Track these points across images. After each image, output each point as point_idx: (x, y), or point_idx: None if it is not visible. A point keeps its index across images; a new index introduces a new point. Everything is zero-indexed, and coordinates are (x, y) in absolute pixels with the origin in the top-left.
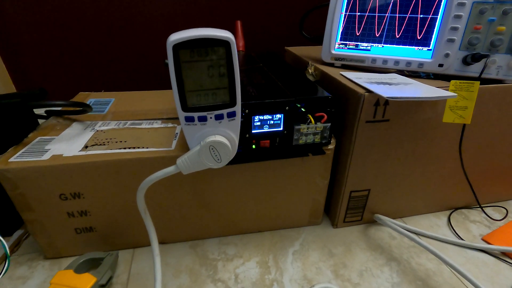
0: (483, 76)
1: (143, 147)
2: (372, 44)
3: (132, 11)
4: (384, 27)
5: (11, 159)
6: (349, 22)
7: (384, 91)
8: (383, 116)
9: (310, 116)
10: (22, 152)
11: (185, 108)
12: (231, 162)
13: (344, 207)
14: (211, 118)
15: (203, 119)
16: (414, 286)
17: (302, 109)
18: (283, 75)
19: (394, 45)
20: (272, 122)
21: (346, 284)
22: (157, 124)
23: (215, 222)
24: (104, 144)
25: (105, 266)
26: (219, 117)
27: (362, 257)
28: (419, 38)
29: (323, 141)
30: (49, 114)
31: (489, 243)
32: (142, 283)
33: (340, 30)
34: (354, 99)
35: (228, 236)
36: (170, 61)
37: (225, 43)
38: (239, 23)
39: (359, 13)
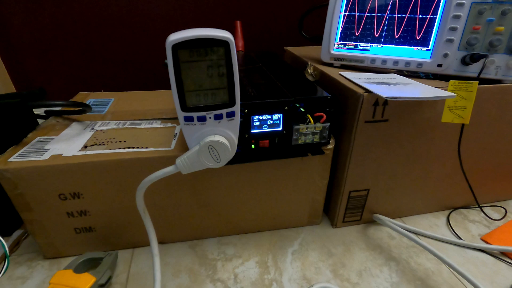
0: (482, 76)
1: (142, 147)
2: (371, 44)
3: (132, 11)
4: (383, 27)
5: (11, 159)
6: (348, 22)
7: (383, 91)
8: (382, 116)
9: (309, 116)
10: (22, 152)
11: (184, 108)
12: (230, 162)
13: (343, 207)
14: (210, 118)
15: (202, 119)
16: (413, 286)
17: (301, 109)
18: (282, 75)
19: (393, 45)
20: (271, 122)
21: (345, 283)
22: (156, 124)
23: (214, 222)
24: (104, 144)
25: (104, 266)
26: (218, 117)
27: (361, 257)
28: (418, 38)
29: (322, 141)
30: (49, 114)
31: (488, 243)
32: (141, 283)
33: (340, 30)
34: (353, 99)
35: (227, 236)
36: (169, 61)
37: (224, 43)
38: (238, 23)
39: (358, 13)
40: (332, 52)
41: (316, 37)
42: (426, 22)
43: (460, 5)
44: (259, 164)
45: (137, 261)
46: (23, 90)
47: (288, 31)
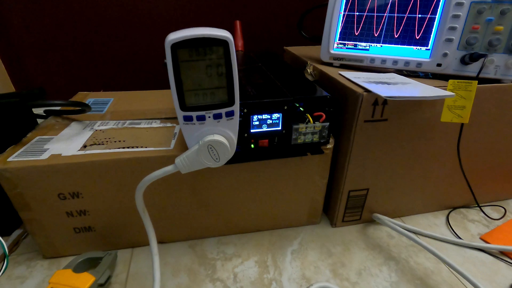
0: (481, 75)
1: (141, 147)
2: (370, 44)
3: (131, 11)
4: (383, 27)
5: (10, 159)
6: (348, 22)
7: (383, 91)
8: (382, 115)
9: (308, 115)
10: (21, 152)
11: (183, 107)
12: (230, 162)
13: (343, 206)
14: (209, 117)
15: (201, 118)
16: (412, 285)
17: (301, 108)
18: (282, 74)
19: (393, 45)
20: (270, 121)
21: (344, 283)
22: (156, 124)
23: (213, 222)
24: (103, 144)
25: (103, 266)
26: (217, 116)
27: (361, 256)
28: (417, 37)
29: (322, 141)
30: (48, 114)
31: (487, 242)
32: (141, 283)
33: (339, 30)
34: (352, 98)
35: (226, 235)
36: (169, 60)
37: (223, 43)
38: (238, 23)
39: (357, 13)
40: (332, 51)
41: (316, 37)
42: (426, 22)
43: (460, 4)
44: (258, 163)
45: (137, 261)
46: (22, 89)
47: (288, 31)
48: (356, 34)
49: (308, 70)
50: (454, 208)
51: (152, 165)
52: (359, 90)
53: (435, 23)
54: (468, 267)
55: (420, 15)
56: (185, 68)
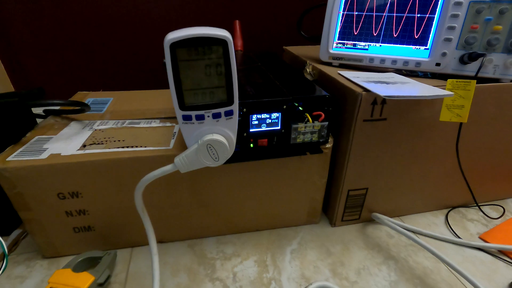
0: (480, 75)
1: (141, 146)
2: (369, 44)
3: (131, 10)
4: (382, 26)
5: (9, 158)
6: (347, 22)
7: (382, 90)
8: (381, 115)
9: (307, 115)
10: (20, 151)
11: (182, 106)
12: (229, 161)
13: (342, 206)
14: (208, 116)
15: (200, 117)
16: (411, 284)
17: (300, 108)
18: (281, 74)
19: (392, 44)
20: (269, 121)
21: (343, 282)
22: (155, 123)
23: (213, 221)
24: (102, 143)
25: (103, 265)
26: (216, 116)
27: (360, 256)
28: (416, 37)
29: (321, 140)
30: (48, 113)
31: (486, 242)
32: (140, 282)
33: (338, 30)
34: (351, 98)
35: (226, 235)
36: (168, 59)
37: (222, 42)
38: (237, 23)
39: (356, 13)
40: (331, 51)
41: (315, 37)
42: (425, 21)
43: (458, 4)
44: (257, 163)
45: (136, 260)
46: (22, 89)
47: (287, 31)
48: (355, 33)
49: (308, 70)
50: (453, 208)
51: (151, 164)
52: (358, 90)
53: (434, 22)
54: (467, 266)
55: (419, 15)
56: (184, 67)
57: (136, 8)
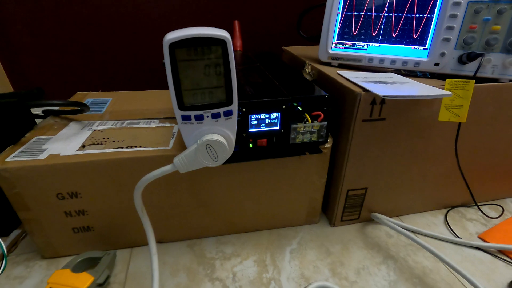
0: (478, 75)
1: (140, 147)
2: (368, 44)
3: (131, 11)
4: (381, 26)
5: (8, 159)
6: (346, 22)
7: (381, 90)
8: (380, 114)
9: (307, 115)
10: (19, 152)
11: (181, 107)
12: (228, 161)
13: (342, 205)
14: (207, 116)
15: (199, 117)
16: (411, 284)
17: (299, 108)
18: (280, 74)
19: (391, 44)
20: (269, 121)
21: (343, 282)
22: (154, 124)
23: (212, 221)
24: (102, 144)
25: (102, 266)
26: (215, 116)
27: (359, 255)
28: (415, 37)
29: (320, 140)
30: (47, 114)
31: (485, 241)
32: (139, 282)
33: (337, 30)
34: (350, 98)
35: (225, 235)
36: (167, 60)
37: (221, 42)
38: (237, 23)
39: (355, 13)
40: (330, 51)
41: (314, 37)
42: (423, 21)
43: (457, 4)
44: (257, 163)
45: (136, 261)
46: (21, 89)
47: (287, 31)
48: (354, 33)
49: (307, 70)
50: (452, 207)
51: (150, 164)
52: (357, 90)
53: (432, 22)
54: (466, 266)
55: (417, 15)
56: (183, 67)
57: (136, 8)
